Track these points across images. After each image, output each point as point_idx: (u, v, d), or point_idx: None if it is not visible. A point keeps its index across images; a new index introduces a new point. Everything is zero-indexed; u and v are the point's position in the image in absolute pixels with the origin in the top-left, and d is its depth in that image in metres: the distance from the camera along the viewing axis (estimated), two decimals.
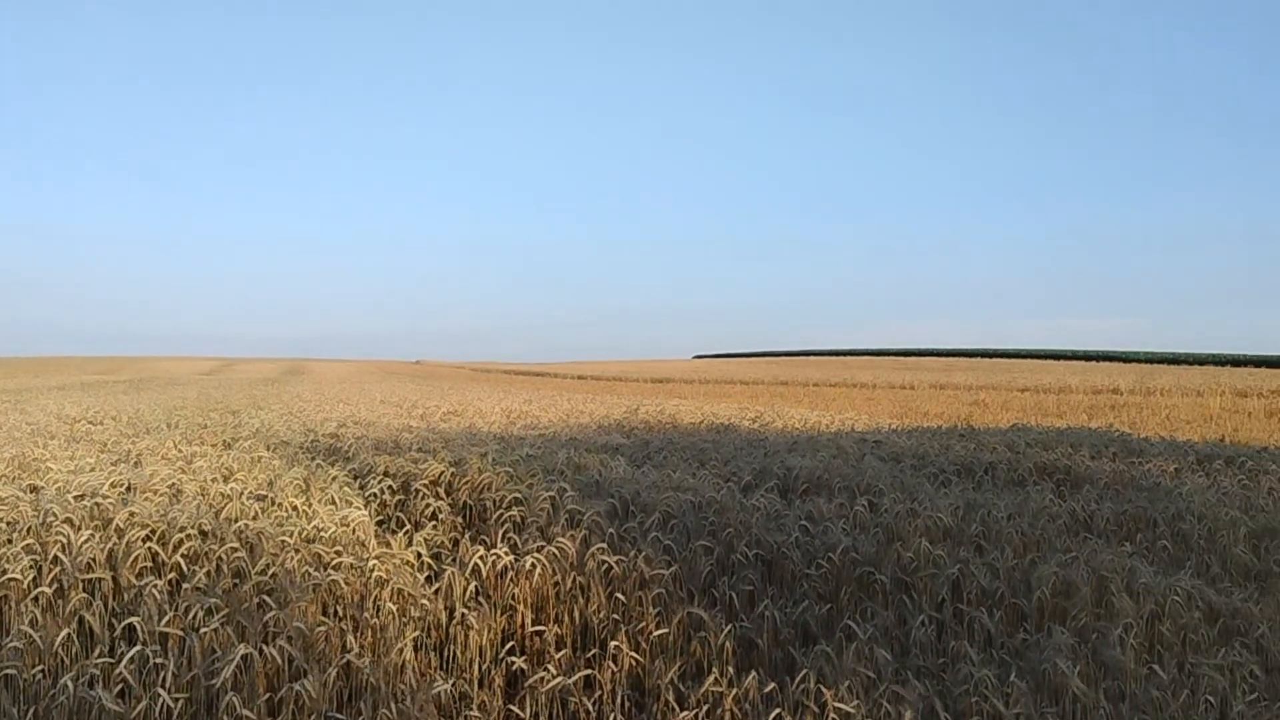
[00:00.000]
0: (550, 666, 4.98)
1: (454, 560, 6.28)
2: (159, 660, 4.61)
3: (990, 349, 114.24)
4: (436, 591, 5.87)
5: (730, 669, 4.92)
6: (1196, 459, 11.94)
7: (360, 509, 7.01)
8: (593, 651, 5.48)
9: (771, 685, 4.66)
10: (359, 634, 5.28)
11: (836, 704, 4.37)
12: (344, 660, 4.87)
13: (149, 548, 5.78)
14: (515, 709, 4.80)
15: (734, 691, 4.63)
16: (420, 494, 7.73)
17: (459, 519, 7.50)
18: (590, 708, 4.78)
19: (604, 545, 6.30)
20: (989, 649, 5.55)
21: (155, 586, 5.24)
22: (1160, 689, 4.91)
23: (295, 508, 6.97)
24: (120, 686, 4.49)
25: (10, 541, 5.73)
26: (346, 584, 5.61)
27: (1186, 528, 8.05)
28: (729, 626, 5.38)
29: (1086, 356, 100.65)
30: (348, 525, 6.56)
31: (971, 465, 11.28)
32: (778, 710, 4.43)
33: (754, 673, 4.78)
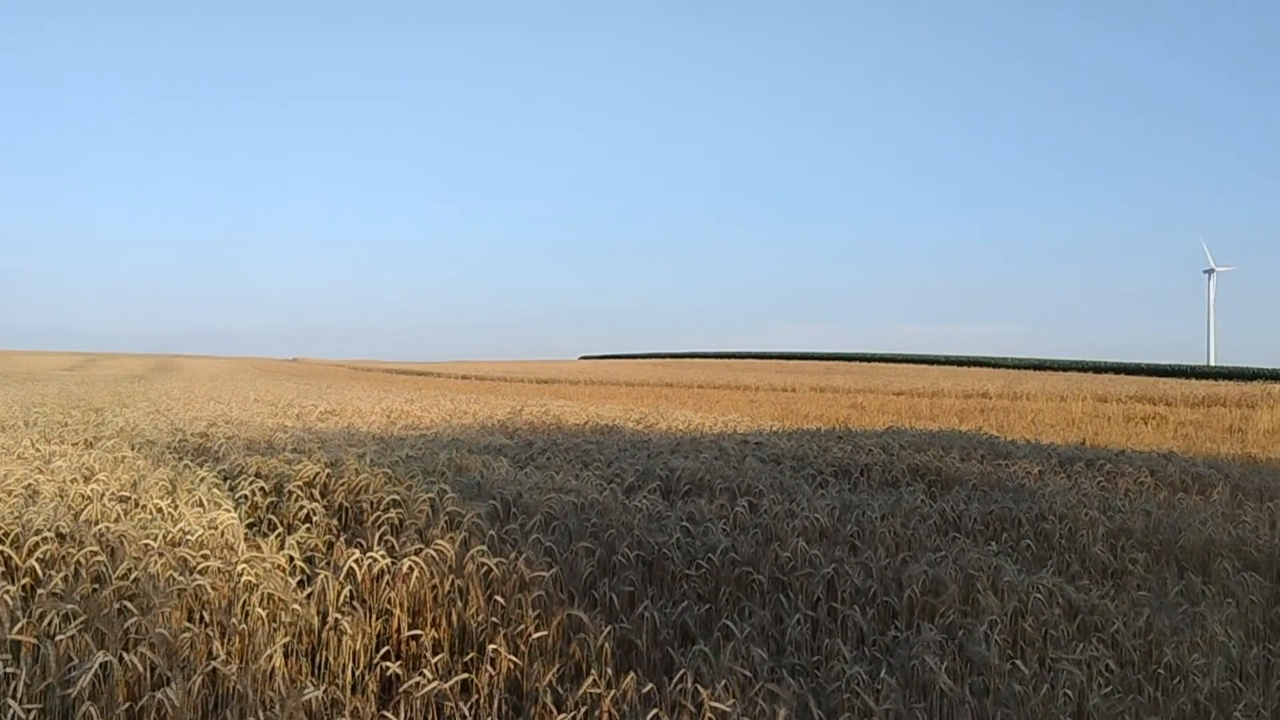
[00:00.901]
0: (426, 671, 4.89)
1: (328, 564, 6.13)
2: (10, 670, 4.37)
3: (869, 353, 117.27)
4: (309, 596, 5.70)
5: (609, 670, 4.92)
6: (1059, 461, 12.48)
7: (229, 511, 6.78)
8: (470, 655, 5.41)
9: (649, 686, 4.68)
10: (226, 640, 5.10)
11: (713, 703, 4.40)
12: (210, 667, 4.70)
13: (0, 552, 5.48)
14: (390, 715, 4.70)
15: (612, 693, 4.62)
16: (294, 496, 7.52)
17: (334, 521, 7.32)
18: (466, 712, 4.71)
19: (484, 547, 6.23)
20: (861, 646, 5.68)
21: (7, 592, 4.96)
22: (1022, 683, 5.09)
23: (160, 510, 6.71)
24: None
25: None
26: (214, 589, 5.41)
27: (1049, 527, 8.40)
28: (608, 628, 5.38)
29: (960, 361, 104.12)
30: (216, 528, 6.34)
31: (848, 467, 11.56)
32: (655, 711, 4.44)
33: (632, 674, 4.78)
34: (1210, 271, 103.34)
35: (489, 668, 5.09)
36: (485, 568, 6.03)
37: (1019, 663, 5.28)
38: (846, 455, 12.29)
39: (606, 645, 5.23)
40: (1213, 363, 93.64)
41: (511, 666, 5.18)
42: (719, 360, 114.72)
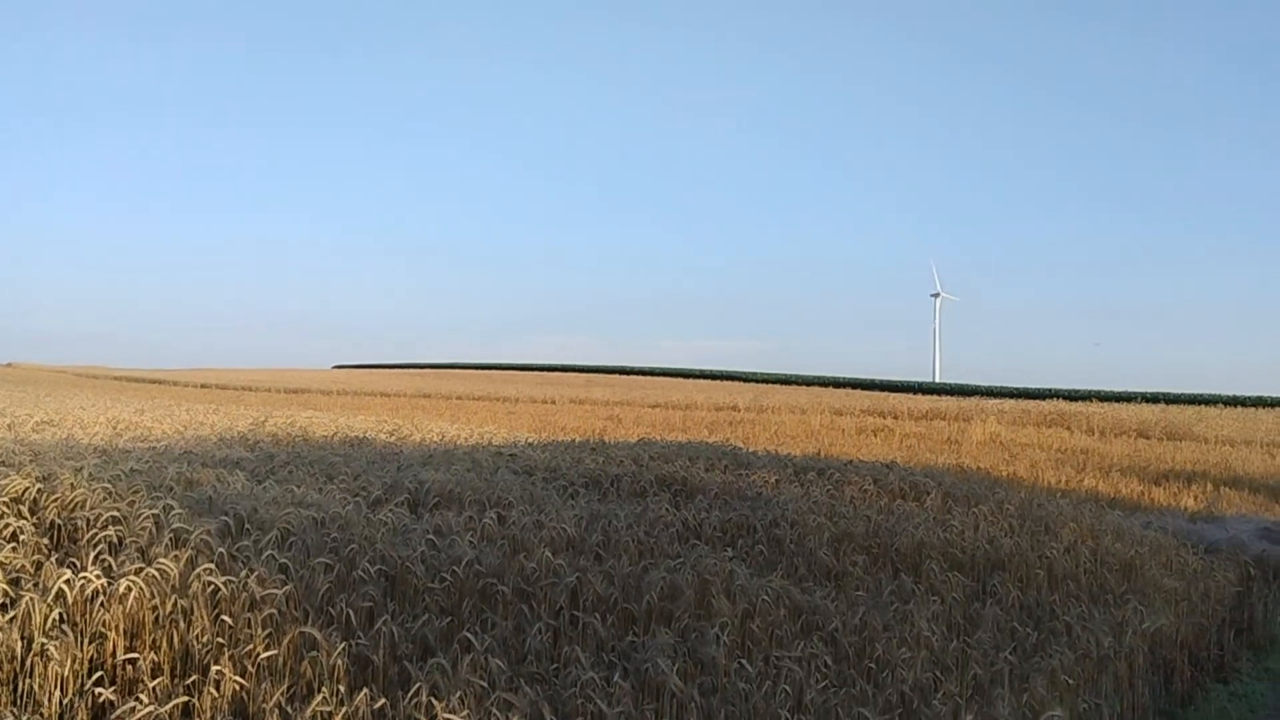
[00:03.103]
0: (143, 696, 4.62)
1: (36, 585, 5.66)
2: None
3: (629, 366, 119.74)
4: (11, 620, 5.25)
5: (341, 688, 4.81)
6: (794, 471, 13.20)
7: None
8: (194, 678, 5.13)
9: (383, 701, 4.61)
10: None
11: (446, 715, 4.40)
12: None
13: None
14: None
15: (344, 710, 4.52)
16: None
17: (45, 540, 6.75)
18: None
19: (212, 565, 5.94)
20: (601, 653, 5.81)
21: None
22: (747, 681, 5.38)
23: None
24: None
25: None
26: None
27: (781, 533, 8.89)
28: (343, 645, 5.25)
29: (713, 375, 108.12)
30: None
31: (599, 478, 11.78)
32: None
33: (366, 690, 4.69)
34: (937, 295, 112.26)
35: (212, 690, 4.86)
36: (212, 586, 5.74)
37: (745, 662, 5.57)
38: (599, 466, 12.53)
39: (340, 662, 5.10)
40: (937, 379, 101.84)
41: (238, 688, 4.96)
42: (480, 371, 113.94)
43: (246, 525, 7.26)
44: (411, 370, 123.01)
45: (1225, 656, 8.60)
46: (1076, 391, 71.81)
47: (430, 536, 7.34)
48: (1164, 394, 69.73)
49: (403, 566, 6.66)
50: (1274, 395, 74.10)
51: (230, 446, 13.52)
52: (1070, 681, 6.24)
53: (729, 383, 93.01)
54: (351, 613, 5.84)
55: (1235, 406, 61.26)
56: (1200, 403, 63.01)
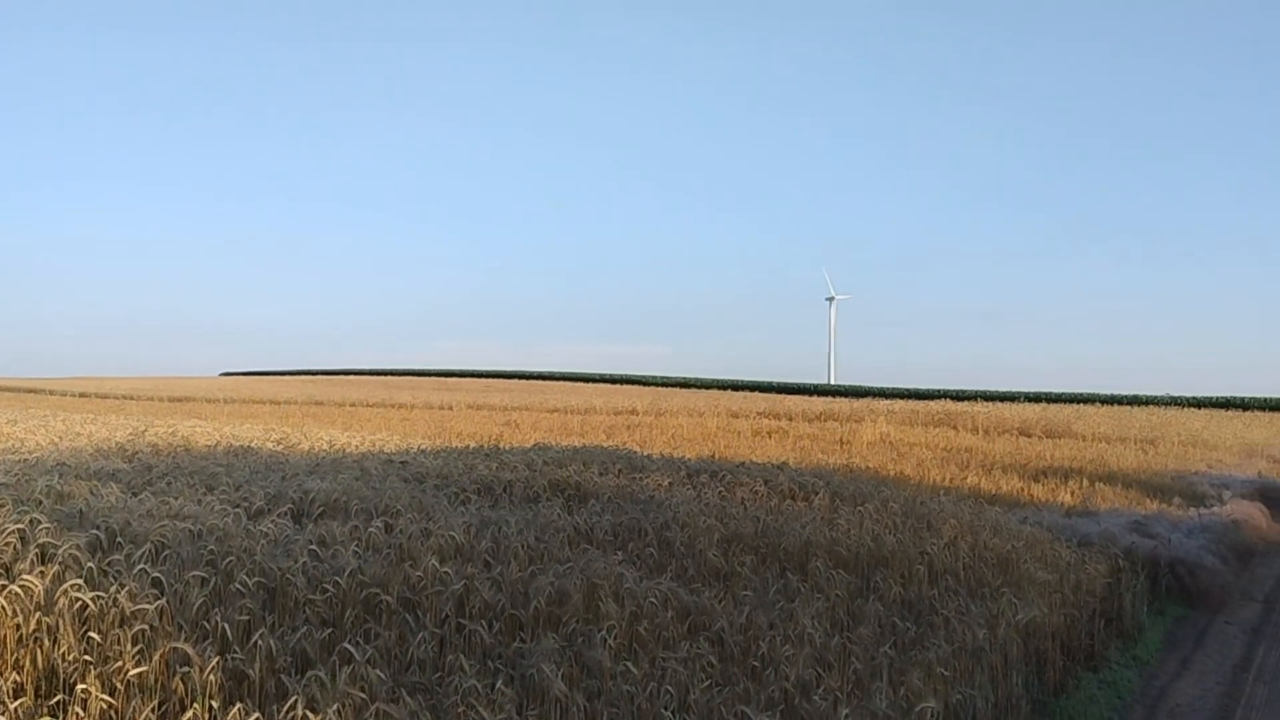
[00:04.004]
0: (3, 718, 4.43)
1: None
2: None
3: (528, 371, 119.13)
4: None
5: (214, 703, 4.68)
6: (688, 474, 13.34)
7: None
8: (59, 698, 4.94)
9: (257, 715, 4.50)
10: None
11: None
12: None
13: None
14: None
15: None
16: None
17: None
18: None
19: (80, 581, 5.72)
20: (487, 660, 5.78)
21: None
22: (632, 684, 5.41)
23: None
24: None
25: None
26: None
27: (671, 535, 8.96)
28: (217, 659, 5.11)
29: (613, 380, 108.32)
30: None
31: (492, 484, 11.71)
32: None
33: (239, 705, 4.58)
34: (831, 299, 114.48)
35: (79, 709, 4.69)
36: (80, 603, 5.54)
37: (630, 664, 5.60)
38: (492, 472, 12.46)
39: (214, 677, 4.97)
40: (832, 381, 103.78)
41: (105, 706, 4.79)
42: (376, 377, 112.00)
43: (119, 539, 7.02)
44: (304, 377, 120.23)
45: (1096, 645, 8.98)
46: (964, 392, 74.02)
47: (313, 547, 7.20)
48: (1045, 393, 72.45)
49: (283, 578, 6.52)
50: (1148, 394, 77.62)
51: (107, 458, 13.03)
52: (946, 674, 6.44)
53: (629, 387, 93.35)
54: (227, 626, 5.69)
55: (1111, 405, 64.02)
56: (1079, 401, 65.68)
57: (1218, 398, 75.18)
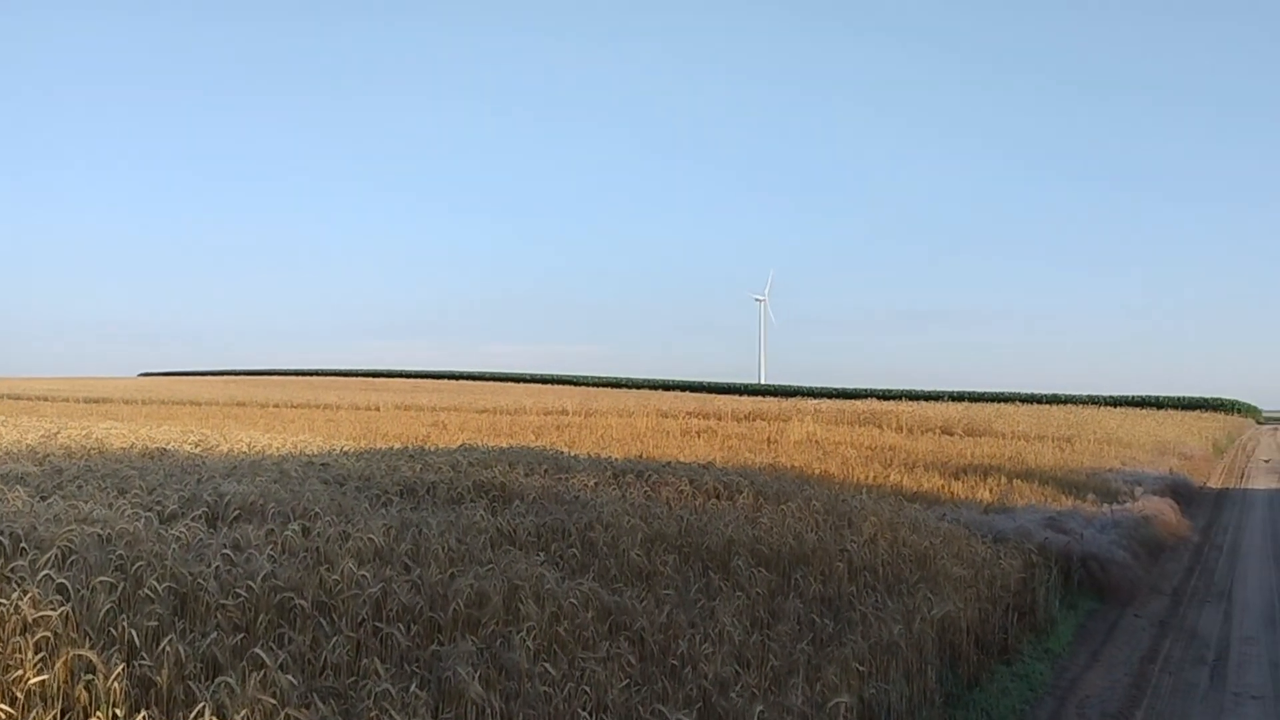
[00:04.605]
0: None
1: None
2: None
3: (458, 371, 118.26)
4: None
5: (119, 711, 4.57)
6: (614, 473, 13.35)
7: None
8: None
9: None
10: None
11: None
12: None
13: None
14: None
15: None
16: None
17: None
18: None
19: None
20: (404, 664, 5.72)
21: None
22: (550, 685, 5.40)
23: None
24: None
25: None
26: None
27: (595, 536, 8.96)
28: (123, 666, 4.98)
29: (545, 380, 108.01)
30: None
31: (415, 485, 11.60)
32: None
33: (145, 712, 4.48)
34: (761, 299, 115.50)
35: None
36: None
37: (549, 665, 5.59)
38: (415, 474, 12.34)
39: (119, 685, 4.84)
40: (763, 381, 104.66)
41: (4, 716, 4.64)
42: (302, 378, 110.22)
43: (23, 544, 6.81)
44: (226, 377, 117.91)
45: (1009, 639, 9.19)
46: (890, 391, 75.37)
47: (227, 551, 7.06)
48: (968, 393, 74.05)
49: (194, 583, 6.38)
50: (1067, 393, 79.67)
51: (16, 460, 12.63)
52: (861, 669, 6.54)
53: (560, 387, 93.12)
54: (135, 633, 5.55)
55: (1031, 404, 65.55)
56: (1000, 400, 67.12)
57: (1133, 397, 77.67)
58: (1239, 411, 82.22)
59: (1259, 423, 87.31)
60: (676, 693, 5.70)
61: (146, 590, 6.19)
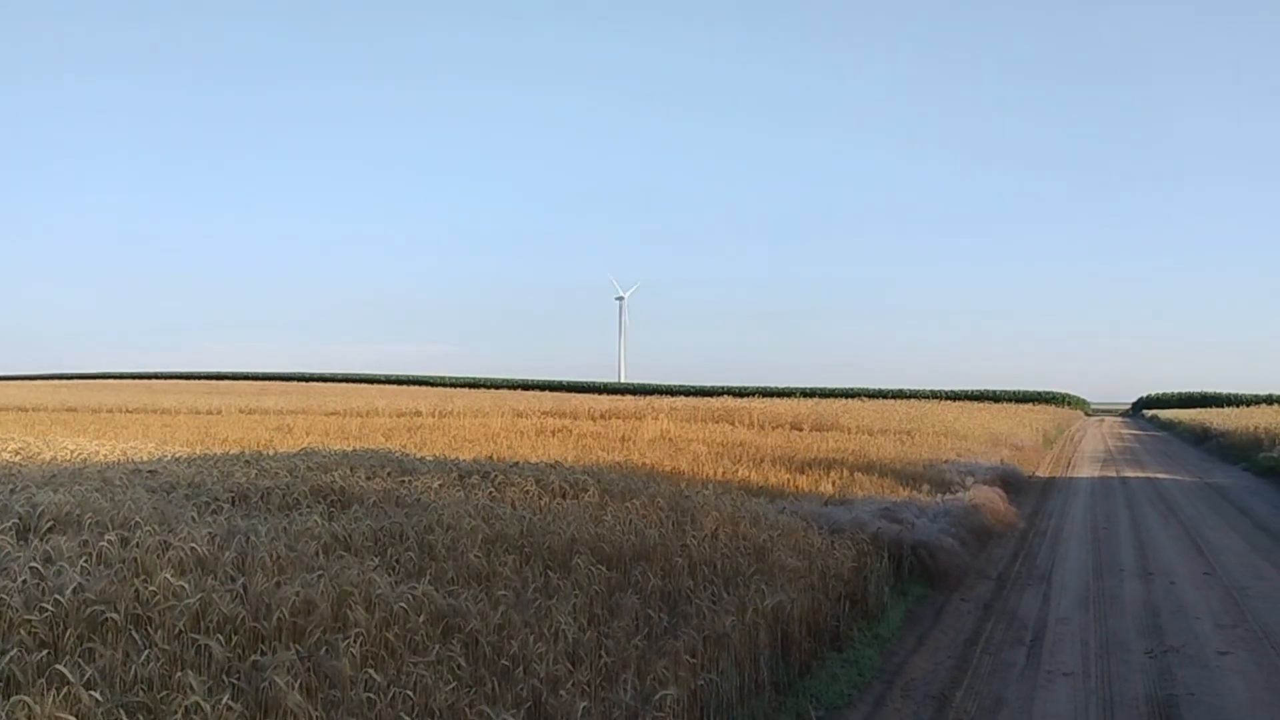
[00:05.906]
0: None
1: None
2: None
3: (308, 373, 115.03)
4: None
5: None
6: (459, 475, 13.21)
7: None
8: None
9: None
10: None
11: None
12: None
13: None
14: None
15: None
16: None
17: None
18: None
19: None
20: (222, 675, 5.52)
21: None
22: (374, 691, 5.32)
23: None
24: None
25: None
26: None
27: (434, 538, 8.84)
28: None
29: (398, 380, 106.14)
30: None
31: (249, 491, 11.23)
32: None
33: None
34: (621, 298, 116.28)
35: None
36: None
37: (374, 671, 5.50)
38: (250, 480, 11.95)
39: None
40: (623, 379, 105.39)
41: None
42: (139, 381, 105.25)
43: None
44: (56, 381, 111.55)
45: (841, 627, 9.52)
46: (744, 388, 76.86)
47: (35, 564, 6.68)
48: (818, 389, 76.20)
49: None
50: (912, 388, 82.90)
51: None
52: (693, 661, 6.66)
53: (414, 388, 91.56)
54: None
55: (877, 399, 68.03)
56: (848, 396, 69.47)
57: (971, 391, 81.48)
58: (1069, 404, 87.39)
59: (1087, 414, 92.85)
60: (506, 693, 5.69)
61: None
